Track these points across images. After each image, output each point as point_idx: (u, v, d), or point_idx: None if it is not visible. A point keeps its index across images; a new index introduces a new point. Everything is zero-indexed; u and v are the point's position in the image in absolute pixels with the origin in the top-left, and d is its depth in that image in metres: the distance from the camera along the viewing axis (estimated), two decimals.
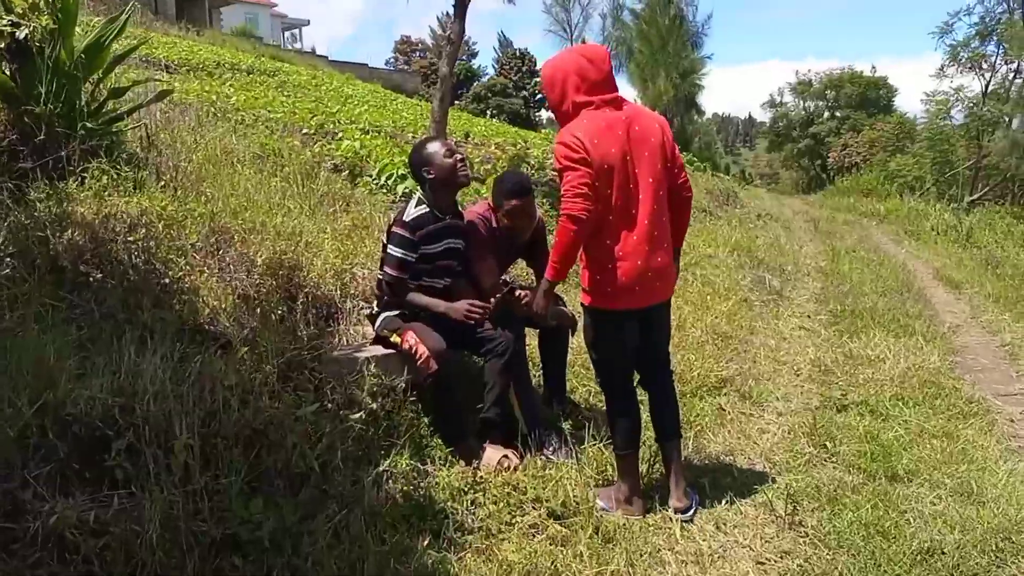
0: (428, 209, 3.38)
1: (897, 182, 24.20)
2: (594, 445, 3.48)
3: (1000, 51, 19.95)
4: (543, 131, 18.62)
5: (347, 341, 4.06)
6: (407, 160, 3.43)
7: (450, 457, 3.24)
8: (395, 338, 3.31)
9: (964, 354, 5.87)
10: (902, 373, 4.95)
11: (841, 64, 51.24)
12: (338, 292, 4.18)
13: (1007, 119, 19.19)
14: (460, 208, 3.69)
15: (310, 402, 2.93)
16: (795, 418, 4.18)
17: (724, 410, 4.24)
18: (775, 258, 9.29)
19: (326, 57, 36.02)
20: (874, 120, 34.34)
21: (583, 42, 18.40)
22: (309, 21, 49.27)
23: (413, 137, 10.88)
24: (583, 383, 4.31)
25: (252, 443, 2.64)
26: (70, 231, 3.41)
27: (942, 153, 22.70)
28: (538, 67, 51.26)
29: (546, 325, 3.76)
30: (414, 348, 3.17)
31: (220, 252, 3.93)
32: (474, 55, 54.17)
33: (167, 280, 3.43)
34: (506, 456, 3.26)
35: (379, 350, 3.42)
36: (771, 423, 4.14)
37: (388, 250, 3.33)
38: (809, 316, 6.73)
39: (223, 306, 3.47)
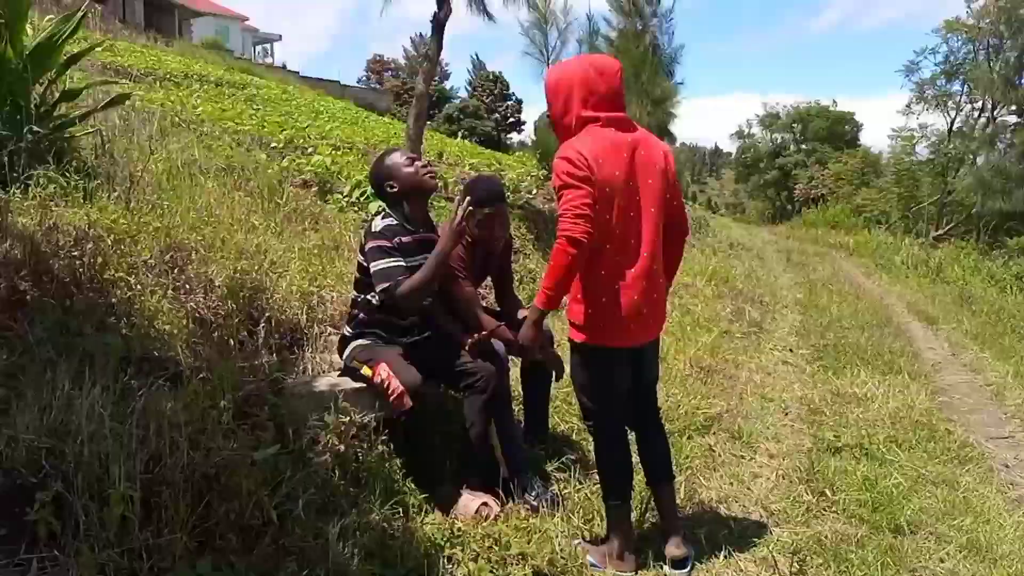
0: (397, 222, 3.10)
1: (864, 215, 24.54)
2: (580, 491, 3.21)
3: (965, 90, 20.36)
4: (516, 154, 18.46)
5: (312, 370, 3.76)
6: (369, 179, 3.14)
7: (425, 505, 2.94)
8: (366, 370, 3.01)
9: (950, 393, 5.73)
10: (892, 413, 4.77)
11: (806, 98, 52.04)
12: (304, 316, 3.87)
13: (972, 156, 19.52)
14: (435, 224, 3.40)
15: (269, 443, 2.61)
16: (788, 461, 3.96)
17: (714, 451, 4.00)
18: (752, 288, 9.16)
19: (297, 73, 35.62)
20: (840, 154, 34.89)
21: None
22: (281, 36, 48.71)
23: None
24: (565, 419, 4.04)
25: (202, 491, 2.32)
26: (7, 242, 3.08)
27: (908, 188, 23.07)
28: (510, 91, 51.49)
29: (532, 357, 3.49)
30: (386, 382, 2.88)
31: (175, 271, 3.61)
32: (447, 76, 54.16)
33: (114, 300, 3.10)
34: (485, 504, 2.97)
35: (348, 383, 3.12)
36: (764, 466, 3.91)
37: (373, 269, 3.00)
38: (791, 350, 6.55)
39: (176, 331, 3.14)
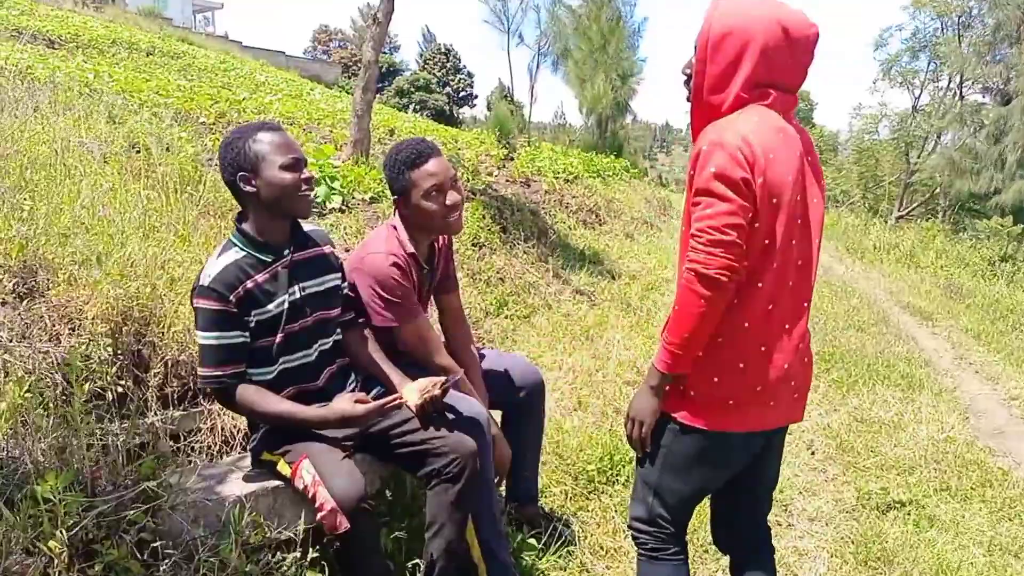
0: (243, 252, 2.09)
1: (825, 194, 24.17)
2: None
3: (931, 68, 19.97)
4: (473, 129, 17.44)
5: (222, 430, 2.84)
6: (218, 157, 2.10)
7: None
8: (283, 467, 2.10)
9: (975, 411, 5.06)
10: (932, 448, 4.05)
11: None
12: None
13: (936, 135, 19.17)
14: (321, 235, 2.41)
15: None
16: (834, 528, 3.18)
17: None
18: None
19: (240, 43, 33.86)
20: None
21: (520, 37, 17.25)
22: (223, 4, 46.30)
23: (330, 132, 9.54)
24: (556, 478, 3.19)
25: None
26: None
27: (868, 167, 22.72)
28: (463, 64, 50.12)
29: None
30: (312, 493, 1.98)
31: (28, 301, 2.63)
32: (396, 48, 52.47)
33: None
34: None
35: (265, 482, 2.20)
36: (807, 535, 3.12)
37: (198, 340, 2.06)
38: None
39: (11, 399, 2.17)
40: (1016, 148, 14.48)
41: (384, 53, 46.48)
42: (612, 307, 6.26)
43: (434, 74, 48.19)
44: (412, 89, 45.98)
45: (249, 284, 2.05)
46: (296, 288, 2.15)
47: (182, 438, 2.82)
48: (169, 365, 2.82)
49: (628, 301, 6.54)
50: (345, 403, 2.07)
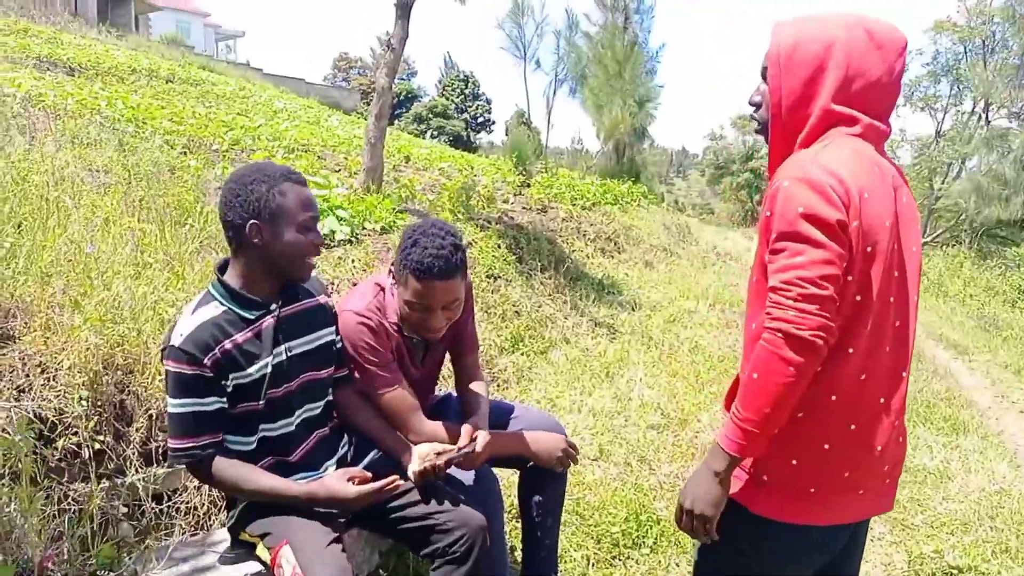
0: (223, 307, 1.82)
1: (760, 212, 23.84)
2: None
3: (953, 92, 19.67)
4: (489, 157, 17.31)
5: (208, 491, 2.60)
6: (225, 191, 1.82)
7: None
8: (263, 551, 1.85)
9: (1022, 456, 4.73)
10: (984, 502, 3.73)
11: None
12: None
13: (961, 160, 18.80)
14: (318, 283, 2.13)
15: None
16: None
17: None
18: None
19: (261, 70, 34.20)
20: None
21: (537, 63, 17.09)
22: (244, 33, 46.93)
23: (345, 159, 9.38)
24: (577, 540, 2.90)
25: None
26: None
27: None
28: (480, 90, 50.31)
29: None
30: None
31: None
32: (413, 74, 52.80)
33: None
34: None
35: (244, 565, 1.95)
36: None
37: (168, 407, 1.79)
38: None
39: None
40: None
41: (402, 79, 46.79)
42: (633, 341, 5.98)
43: (452, 100, 48.39)
44: (430, 115, 46.16)
45: (227, 345, 1.80)
46: (282, 349, 1.90)
47: (166, 498, 2.59)
48: (154, 418, 2.60)
49: (649, 334, 6.26)
50: (336, 481, 1.81)
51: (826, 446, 1.46)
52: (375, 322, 2.06)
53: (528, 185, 10.56)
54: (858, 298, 1.41)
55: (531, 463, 2.37)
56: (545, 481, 2.43)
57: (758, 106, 1.60)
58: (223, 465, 1.81)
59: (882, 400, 1.48)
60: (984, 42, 17.19)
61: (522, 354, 5.04)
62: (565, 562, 2.79)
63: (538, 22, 16.53)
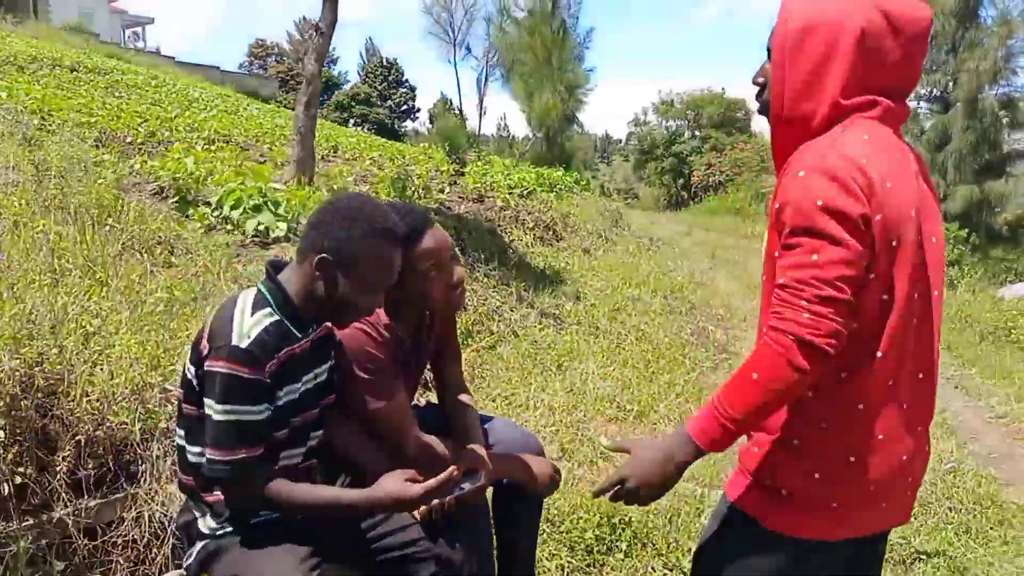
0: (277, 317, 1.63)
1: (766, 202, 24.48)
2: None
3: None
4: (418, 144, 16.95)
5: (150, 522, 2.35)
6: (321, 209, 1.67)
7: None
8: None
9: (966, 433, 4.86)
10: (940, 483, 3.77)
11: (698, 85, 52.74)
12: (137, 428, 2.42)
13: None
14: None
15: None
16: None
17: None
18: (702, 299, 8.14)
19: (173, 58, 32.76)
20: (734, 140, 35.10)
21: (468, 49, 16.77)
22: (154, 19, 44.83)
23: (270, 149, 8.98)
24: (552, 550, 2.77)
25: None
26: None
27: None
28: (404, 77, 49.54)
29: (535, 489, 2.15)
30: None
31: None
32: (334, 61, 51.55)
33: None
34: None
35: None
36: None
37: (214, 414, 1.55)
38: None
39: None
40: (958, 155, 14.73)
41: (324, 65, 45.50)
42: (580, 332, 5.88)
43: (375, 87, 47.53)
44: (352, 103, 45.25)
45: (286, 354, 1.63)
46: (311, 374, 1.74)
47: (100, 532, 2.32)
48: (83, 443, 2.32)
49: (596, 324, 6.18)
50: (395, 483, 1.62)
51: (852, 458, 1.36)
52: (372, 327, 1.86)
53: (462, 174, 10.36)
54: (884, 297, 1.30)
55: (504, 482, 2.21)
56: (518, 501, 2.24)
57: (762, 87, 1.47)
58: (273, 478, 1.61)
59: (905, 406, 1.38)
60: None
61: (473, 350, 4.87)
62: (540, 573, 2.65)
63: (467, 7, 16.25)
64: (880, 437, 1.35)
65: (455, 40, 16.50)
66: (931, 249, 1.38)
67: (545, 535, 2.84)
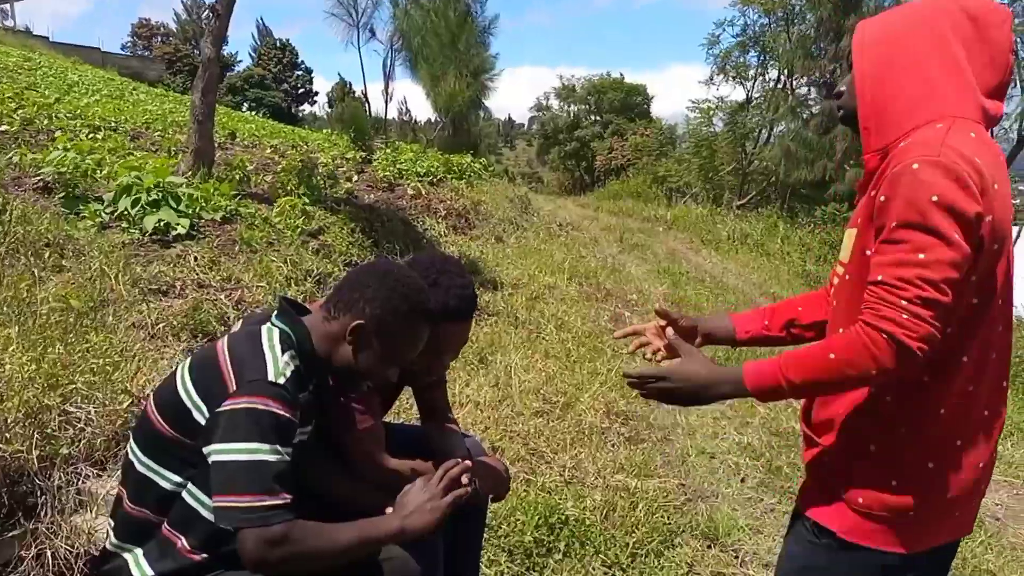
0: (296, 361, 1.52)
1: (666, 185, 25.11)
2: None
3: (759, 61, 21.04)
4: (317, 129, 16.39)
5: (53, 561, 2.13)
6: (367, 270, 1.64)
7: None
8: None
9: None
10: None
11: (597, 71, 53.58)
12: (35, 456, 2.19)
13: (770, 127, 20.23)
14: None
15: None
16: None
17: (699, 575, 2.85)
18: (618, 286, 8.22)
19: (46, 38, 30.68)
20: (635, 125, 35.81)
21: (372, 32, 16.22)
22: None
23: (161, 137, 8.46)
24: (490, 556, 2.69)
25: None
26: None
27: (706, 159, 23.69)
28: (300, 59, 47.97)
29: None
30: None
31: None
32: (224, 42, 49.49)
33: None
34: None
35: None
36: None
37: (217, 458, 1.39)
38: None
39: None
40: (844, 138, 15.43)
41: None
42: (500, 323, 5.81)
43: (269, 70, 45.86)
44: (246, 86, 43.53)
45: (305, 395, 1.56)
46: (304, 432, 1.61)
47: None
48: None
49: (515, 314, 6.12)
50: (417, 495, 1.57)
51: (930, 464, 1.33)
52: None
53: (370, 162, 10.09)
54: (975, 301, 1.28)
55: None
56: (464, 510, 2.16)
57: (840, 95, 1.45)
58: (306, 527, 1.42)
59: (986, 413, 1.37)
60: (786, 14, 18.45)
61: None
62: None
63: None
64: (959, 443, 1.33)
65: (359, 22, 15.97)
66: (1012, 253, 1.38)
67: (484, 541, 2.76)
